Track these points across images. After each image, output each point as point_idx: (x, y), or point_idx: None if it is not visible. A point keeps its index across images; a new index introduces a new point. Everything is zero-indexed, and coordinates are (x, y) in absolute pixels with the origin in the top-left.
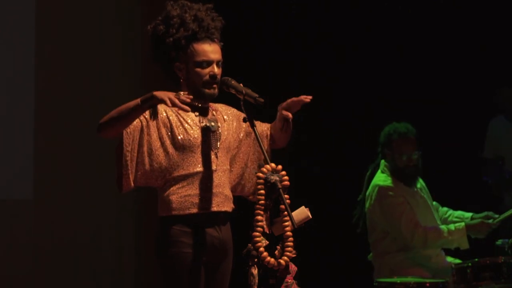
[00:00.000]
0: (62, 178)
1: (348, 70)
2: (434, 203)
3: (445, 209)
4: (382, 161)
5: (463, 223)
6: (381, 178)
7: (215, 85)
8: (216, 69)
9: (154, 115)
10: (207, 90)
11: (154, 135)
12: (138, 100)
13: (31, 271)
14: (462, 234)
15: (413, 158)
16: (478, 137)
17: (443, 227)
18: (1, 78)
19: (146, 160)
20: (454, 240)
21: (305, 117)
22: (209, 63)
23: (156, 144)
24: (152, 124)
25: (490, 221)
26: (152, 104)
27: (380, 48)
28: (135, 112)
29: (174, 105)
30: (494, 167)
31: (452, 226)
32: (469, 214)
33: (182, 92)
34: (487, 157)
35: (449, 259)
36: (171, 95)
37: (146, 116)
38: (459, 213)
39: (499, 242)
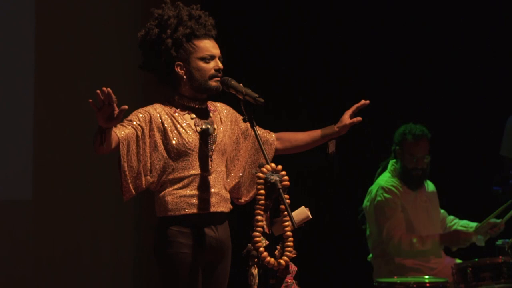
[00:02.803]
0: (62, 178)
1: (359, 67)
2: (442, 211)
3: (451, 217)
4: (392, 160)
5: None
6: (384, 178)
7: (218, 78)
8: (220, 64)
9: (149, 121)
10: (213, 83)
11: (149, 141)
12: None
13: (31, 271)
14: (434, 244)
15: (422, 161)
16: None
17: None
18: (1, 78)
19: (143, 168)
20: (427, 250)
21: (309, 116)
22: (212, 57)
23: (152, 149)
24: (147, 130)
25: (471, 229)
26: (104, 129)
27: (392, 44)
28: (101, 136)
29: (104, 111)
30: (509, 167)
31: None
32: (474, 224)
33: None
34: (503, 155)
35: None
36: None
37: (142, 124)
38: (464, 222)
39: (499, 242)
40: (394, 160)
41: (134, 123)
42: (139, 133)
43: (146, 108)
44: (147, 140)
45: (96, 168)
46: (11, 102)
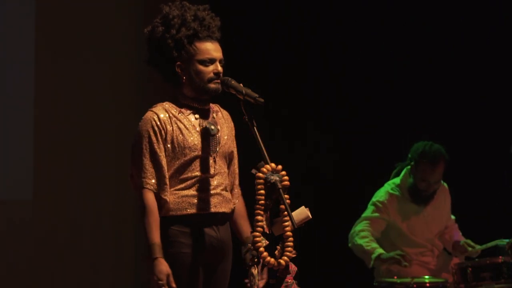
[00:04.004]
0: (62, 178)
1: (362, 68)
2: (453, 216)
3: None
4: (407, 167)
5: (378, 252)
6: (392, 185)
7: (218, 81)
8: (219, 67)
9: (160, 133)
10: (212, 85)
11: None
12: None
13: (31, 271)
14: (369, 256)
15: (433, 186)
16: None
17: (373, 244)
18: (1, 79)
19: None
20: (365, 257)
21: (314, 115)
22: (212, 61)
23: (162, 155)
24: (162, 144)
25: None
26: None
27: (398, 44)
28: None
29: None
30: None
31: (379, 250)
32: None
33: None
34: None
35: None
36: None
37: (160, 145)
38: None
39: (499, 242)
40: (409, 168)
41: (155, 146)
42: (163, 158)
43: (150, 120)
44: (164, 153)
45: (96, 168)
46: (11, 102)
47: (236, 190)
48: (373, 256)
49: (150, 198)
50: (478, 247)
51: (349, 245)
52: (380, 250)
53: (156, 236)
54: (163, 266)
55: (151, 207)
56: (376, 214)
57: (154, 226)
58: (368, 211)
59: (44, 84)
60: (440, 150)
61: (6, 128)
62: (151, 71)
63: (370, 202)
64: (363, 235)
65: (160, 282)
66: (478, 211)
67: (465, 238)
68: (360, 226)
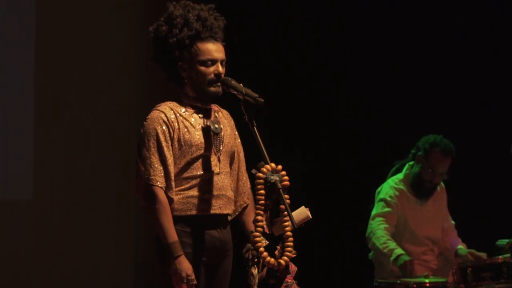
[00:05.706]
0: (62, 178)
1: (364, 68)
2: (453, 222)
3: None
4: (409, 163)
5: (396, 253)
6: (396, 181)
7: (219, 83)
8: (221, 68)
9: (168, 133)
10: (212, 88)
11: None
12: (170, 244)
13: (30, 271)
14: (388, 259)
15: (440, 178)
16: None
17: (391, 244)
18: (1, 79)
19: None
20: (384, 259)
21: (314, 115)
22: (213, 62)
23: (169, 154)
24: (170, 145)
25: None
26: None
27: (396, 43)
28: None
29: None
30: None
31: (398, 251)
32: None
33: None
34: None
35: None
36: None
37: (169, 146)
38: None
39: (499, 242)
40: (411, 163)
41: (163, 145)
42: (171, 157)
43: (158, 118)
44: (171, 151)
45: (96, 168)
46: (11, 102)
47: (246, 189)
48: (391, 259)
49: (162, 195)
50: (485, 257)
51: (369, 246)
52: (399, 251)
53: (174, 233)
54: (187, 263)
55: (164, 205)
56: (388, 209)
57: (171, 224)
58: (378, 208)
59: (44, 84)
60: (450, 143)
61: (6, 128)
62: (151, 71)
63: (378, 199)
64: (379, 235)
65: (190, 278)
66: (478, 211)
67: (462, 243)
68: (375, 225)
